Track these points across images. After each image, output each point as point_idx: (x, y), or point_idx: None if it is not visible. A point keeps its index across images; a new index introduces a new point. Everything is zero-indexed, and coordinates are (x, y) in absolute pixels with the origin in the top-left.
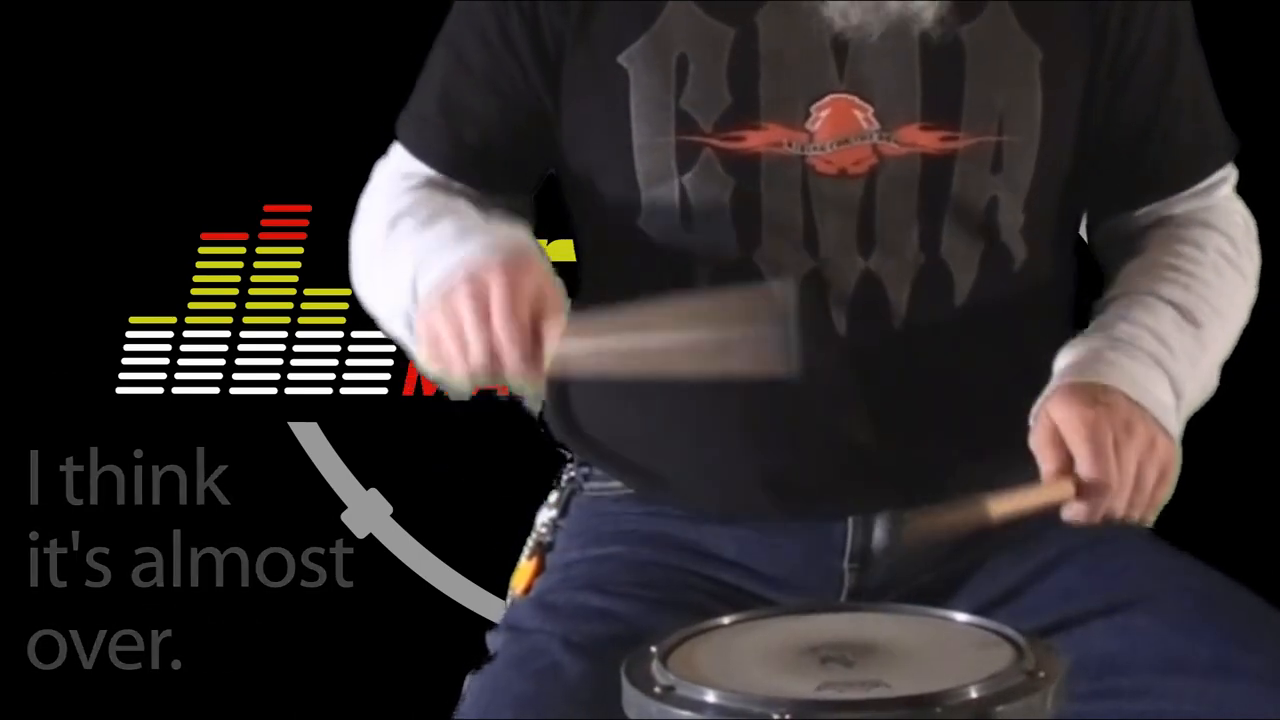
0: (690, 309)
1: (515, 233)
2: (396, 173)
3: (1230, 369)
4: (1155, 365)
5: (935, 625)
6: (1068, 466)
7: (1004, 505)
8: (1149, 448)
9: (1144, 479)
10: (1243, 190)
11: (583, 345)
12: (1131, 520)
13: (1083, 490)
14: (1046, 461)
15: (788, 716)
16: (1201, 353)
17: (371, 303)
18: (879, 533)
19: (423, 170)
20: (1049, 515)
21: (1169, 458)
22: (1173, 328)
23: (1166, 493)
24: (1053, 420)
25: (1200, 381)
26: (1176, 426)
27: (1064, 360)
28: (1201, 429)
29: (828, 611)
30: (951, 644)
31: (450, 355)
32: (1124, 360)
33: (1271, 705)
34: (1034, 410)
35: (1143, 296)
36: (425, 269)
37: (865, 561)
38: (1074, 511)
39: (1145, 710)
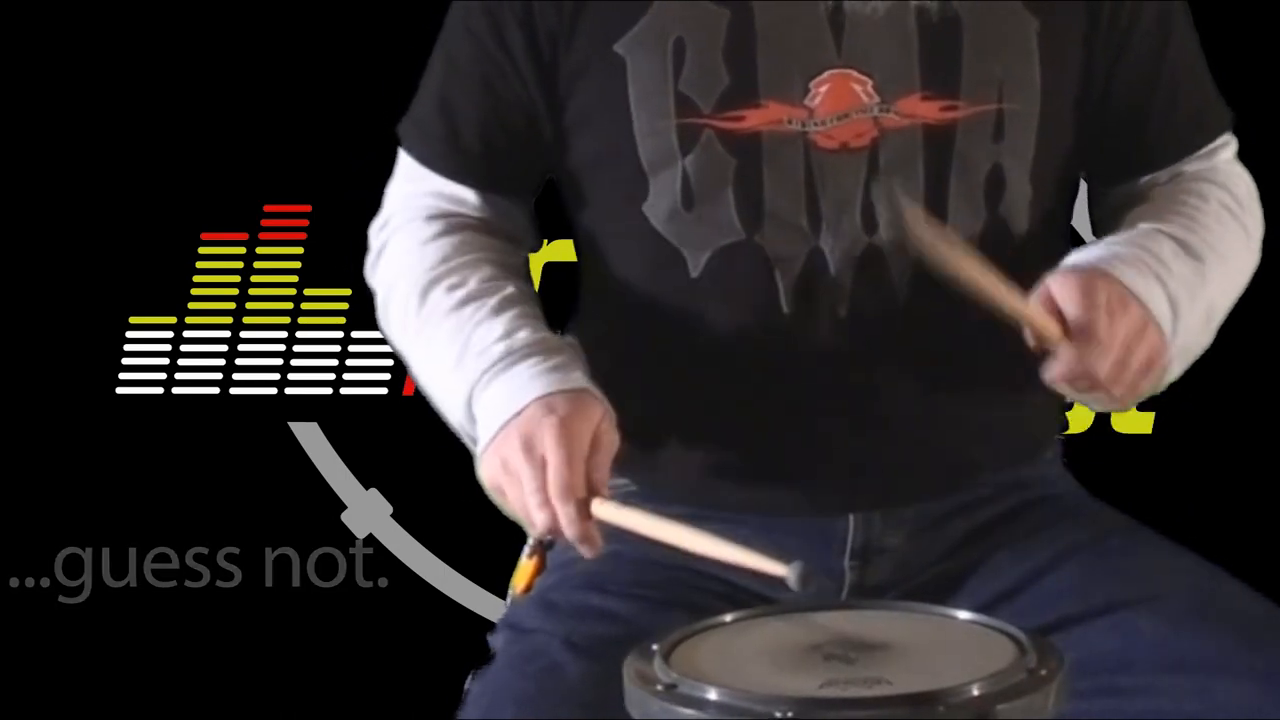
0: (717, 548)
1: (563, 360)
2: (412, 207)
3: (1230, 366)
4: (1155, 280)
5: (937, 623)
6: (1058, 317)
7: (990, 282)
8: (1140, 330)
9: (1131, 354)
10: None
11: (622, 517)
12: (1113, 399)
13: (1067, 334)
14: (1037, 311)
15: (790, 714)
16: (1200, 285)
17: (420, 384)
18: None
19: (433, 190)
20: (1046, 505)
21: (1159, 348)
22: (1172, 256)
23: (1151, 385)
24: (1049, 290)
25: (1198, 318)
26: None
27: (1065, 263)
28: (1202, 428)
29: (829, 609)
30: (953, 642)
31: (517, 515)
32: (1123, 268)
33: (1272, 704)
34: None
35: (1144, 230)
36: (479, 394)
37: (866, 560)
38: (1057, 366)
39: (1146, 708)
